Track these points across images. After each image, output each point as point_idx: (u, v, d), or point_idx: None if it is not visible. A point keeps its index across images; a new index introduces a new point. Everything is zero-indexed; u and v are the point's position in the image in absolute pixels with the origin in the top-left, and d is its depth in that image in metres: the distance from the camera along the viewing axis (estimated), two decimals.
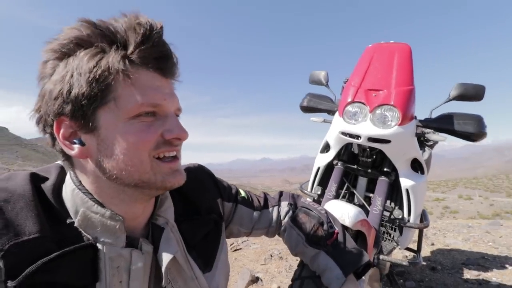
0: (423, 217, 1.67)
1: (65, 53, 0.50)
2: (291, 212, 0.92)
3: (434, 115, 1.71)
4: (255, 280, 2.40)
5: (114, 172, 0.51)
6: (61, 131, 0.51)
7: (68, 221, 0.51)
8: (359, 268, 0.80)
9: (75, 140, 0.51)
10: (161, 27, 0.51)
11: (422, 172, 1.58)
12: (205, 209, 0.74)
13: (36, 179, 0.54)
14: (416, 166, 1.58)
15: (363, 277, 0.85)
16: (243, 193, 0.90)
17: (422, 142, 1.97)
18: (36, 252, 0.45)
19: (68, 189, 0.54)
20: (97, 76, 0.47)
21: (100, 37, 0.49)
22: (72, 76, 0.47)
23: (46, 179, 0.56)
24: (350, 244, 0.86)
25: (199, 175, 0.80)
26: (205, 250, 0.70)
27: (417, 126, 1.56)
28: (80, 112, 0.49)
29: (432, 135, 1.53)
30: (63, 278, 0.47)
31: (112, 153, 0.50)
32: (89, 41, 0.49)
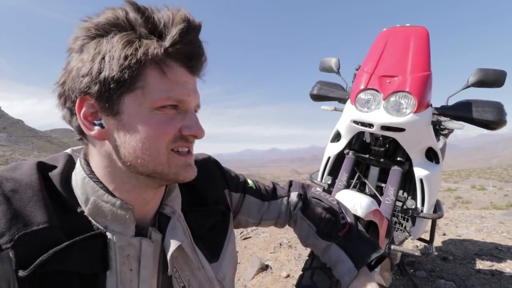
0: (437, 207, 1.63)
1: (98, 34, 0.49)
2: (301, 202, 0.90)
3: (451, 103, 1.64)
4: (265, 268, 2.42)
5: (130, 158, 0.51)
6: (83, 109, 0.50)
7: (78, 209, 0.52)
8: (372, 261, 0.78)
9: (95, 121, 0.51)
10: (200, 26, 0.52)
11: (437, 162, 1.53)
12: (212, 200, 0.74)
13: (44, 168, 0.54)
14: (431, 155, 1.53)
15: (376, 269, 0.83)
16: (251, 183, 0.88)
17: (437, 130, 1.91)
18: (46, 242, 0.45)
19: (79, 177, 0.54)
20: (131, 64, 0.47)
21: (143, 24, 0.49)
22: (103, 58, 0.47)
23: (54, 167, 0.56)
24: (363, 236, 0.84)
25: (207, 166, 0.79)
26: (212, 241, 0.70)
27: (433, 114, 1.51)
28: (106, 94, 0.48)
29: (449, 123, 1.48)
30: (73, 267, 0.47)
31: (132, 140, 0.50)
32: (129, 25, 0.49)
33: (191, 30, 0.50)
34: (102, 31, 0.49)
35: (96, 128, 0.51)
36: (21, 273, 0.43)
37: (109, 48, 0.47)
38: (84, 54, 0.49)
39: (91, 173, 0.54)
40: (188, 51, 0.52)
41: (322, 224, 0.83)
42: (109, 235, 0.51)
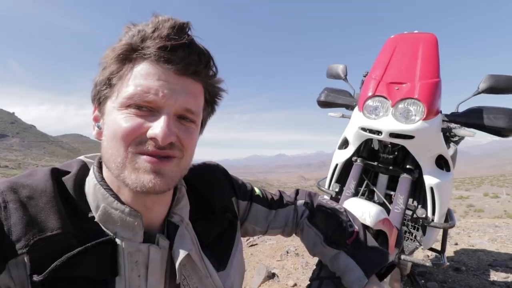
0: (449, 216, 1.59)
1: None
2: (308, 211, 0.90)
3: (461, 110, 1.61)
4: (271, 276, 2.39)
5: (104, 158, 0.54)
6: (93, 115, 0.58)
7: (89, 215, 0.53)
8: (382, 269, 0.77)
9: (97, 124, 0.57)
10: (180, 23, 0.50)
11: (448, 170, 1.50)
12: (220, 208, 0.74)
13: (58, 175, 0.56)
14: (442, 163, 1.50)
15: (385, 278, 0.82)
16: (258, 191, 0.88)
17: (448, 138, 1.87)
18: (59, 247, 0.47)
19: (91, 184, 0.56)
20: (108, 66, 0.52)
21: (133, 36, 0.51)
22: (101, 70, 0.54)
23: (68, 173, 0.57)
24: (372, 243, 0.82)
25: (214, 174, 0.80)
26: (219, 249, 0.70)
27: (443, 121, 1.48)
28: (97, 96, 0.55)
29: (460, 130, 1.45)
30: (84, 272, 0.48)
31: (104, 140, 0.53)
32: (117, 58, 0.52)
33: (166, 27, 0.49)
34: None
35: (96, 129, 0.57)
36: (36, 277, 0.44)
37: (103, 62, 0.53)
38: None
39: (102, 180, 0.55)
40: (164, 49, 0.49)
41: (329, 232, 0.83)
42: (118, 241, 0.52)
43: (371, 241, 0.83)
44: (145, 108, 0.50)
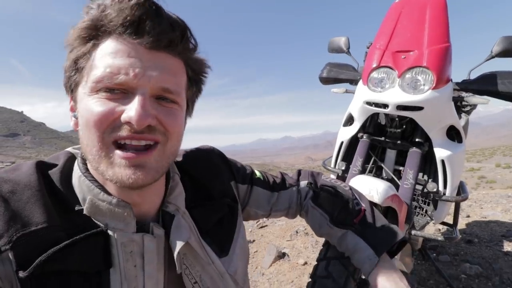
0: (461, 189, 1.53)
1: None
2: (311, 191, 0.86)
3: (473, 77, 1.52)
4: (282, 255, 2.42)
5: (82, 149, 0.51)
6: (70, 105, 0.54)
7: (76, 208, 0.51)
8: (393, 246, 0.74)
9: (73, 114, 0.53)
10: None
11: (460, 141, 1.43)
12: (218, 193, 0.71)
13: (44, 167, 0.53)
14: (453, 134, 1.43)
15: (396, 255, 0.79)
16: (258, 174, 0.85)
17: (459, 107, 1.79)
18: (45, 242, 0.45)
19: (76, 175, 0.53)
20: (74, 50, 0.49)
21: (86, 28, 0.47)
22: (67, 54, 0.50)
23: (55, 166, 0.55)
24: (380, 221, 0.80)
25: (211, 158, 0.76)
26: (220, 235, 0.68)
27: (454, 89, 1.40)
28: (68, 84, 0.51)
29: (472, 98, 1.37)
30: (75, 265, 0.47)
31: (80, 130, 0.50)
32: (80, 36, 0.48)
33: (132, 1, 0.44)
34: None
35: (73, 119, 0.53)
36: (21, 274, 0.43)
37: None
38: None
39: (86, 172, 0.53)
40: (126, 16, 0.44)
41: (335, 212, 0.80)
42: (110, 232, 0.50)
43: (380, 219, 0.80)
44: (117, 91, 0.46)
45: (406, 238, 0.78)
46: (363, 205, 0.81)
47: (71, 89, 0.51)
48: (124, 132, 0.46)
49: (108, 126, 0.46)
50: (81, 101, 0.48)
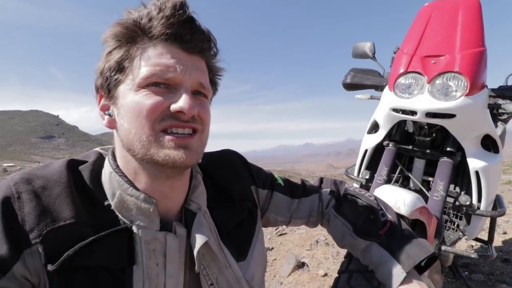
0: (497, 203, 1.42)
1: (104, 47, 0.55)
2: (334, 200, 0.84)
3: (510, 83, 1.42)
4: (301, 265, 2.36)
5: (126, 142, 0.53)
6: (100, 104, 0.56)
7: (105, 203, 0.53)
8: (422, 262, 0.69)
9: (106, 112, 0.56)
10: (182, 2, 0.52)
11: (496, 151, 1.33)
12: (238, 197, 0.71)
13: (75, 165, 0.56)
14: (488, 143, 1.33)
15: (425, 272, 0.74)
16: (279, 180, 0.84)
17: (495, 116, 1.67)
18: (73, 237, 0.47)
19: (106, 171, 0.56)
20: (117, 51, 0.52)
21: (132, 22, 0.52)
22: (103, 55, 0.54)
23: (85, 163, 0.58)
24: (408, 233, 0.75)
25: (232, 162, 0.77)
26: (239, 239, 0.68)
27: (489, 96, 1.31)
28: (106, 83, 0.54)
29: (509, 106, 1.27)
30: (100, 261, 0.48)
31: (124, 122, 0.52)
32: (123, 38, 0.53)
33: (170, 6, 0.50)
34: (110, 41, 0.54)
35: (106, 117, 0.56)
36: (50, 267, 0.45)
37: (106, 48, 0.54)
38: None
39: (117, 168, 0.56)
40: (171, 25, 0.51)
41: (359, 222, 0.77)
42: (134, 229, 0.52)
43: (408, 231, 0.76)
44: (163, 86, 0.51)
45: (436, 254, 0.72)
46: (389, 216, 0.77)
47: (109, 88, 0.54)
48: (173, 121, 0.52)
49: (158, 115, 0.51)
50: (125, 97, 0.52)
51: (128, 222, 0.52)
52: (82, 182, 0.54)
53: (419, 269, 0.72)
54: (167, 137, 0.51)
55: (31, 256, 0.45)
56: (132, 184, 0.54)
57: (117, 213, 0.52)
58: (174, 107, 0.51)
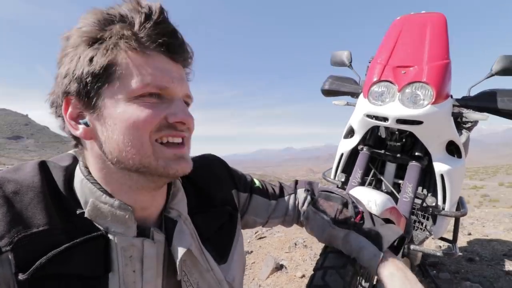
0: (460, 204, 1.53)
1: (77, 42, 0.50)
2: (309, 198, 0.88)
3: (473, 93, 1.54)
4: (280, 267, 2.39)
5: (115, 154, 0.49)
6: (69, 111, 0.51)
7: (78, 211, 0.51)
8: (394, 242, 0.76)
9: (80, 121, 0.51)
10: (161, 8, 0.50)
11: (459, 156, 1.44)
12: (220, 201, 0.72)
13: (47, 168, 0.53)
14: (453, 149, 1.44)
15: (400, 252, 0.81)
16: (257, 183, 0.86)
17: (459, 124, 1.80)
18: (46, 244, 0.45)
19: (78, 179, 0.53)
20: (100, 54, 0.47)
21: (107, 22, 0.49)
22: (79, 56, 0.48)
23: (58, 168, 0.55)
24: (378, 221, 0.83)
25: (213, 166, 0.78)
26: (220, 242, 0.68)
27: (454, 105, 1.42)
28: (84, 90, 0.48)
29: (472, 114, 1.38)
30: (74, 269, 0.46)
31: (113, 133, 0.48)
32: (99, 27, 0.49)
33: (154, 12, 0.49)
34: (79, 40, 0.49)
35: (81, 127, 0.51)
36: (21, 276, 0.42)
37: (83, 48, 0.48)
38: (66, 59, 0.50)
39: (88, 175, 0.53)
40: (159, 33, 0.49)
41: (336, 214, 0.82)
42: (110, 236, 0.50)
43: (378, 219, 0.83)
44: (155, 96, 0.50)
45: (405, 235, 0.80)
46: (360, 208, 0.84)
47: (88, 96, 0.49)
48: (170, 131, 0.52)
49: (154, 127, 0.50)
50: (115, 107, 0.48)
51: (103, 229, 0.50)
52: (55, 187, 0.51)
53: (394, 250, 0.78)
54: (167, 149, 0.51)
55: (1, 265, 0.42)
56: (105, 191, 0.52)
57: (91, 220, 0.50)
58: (174, 118, 0.51)
